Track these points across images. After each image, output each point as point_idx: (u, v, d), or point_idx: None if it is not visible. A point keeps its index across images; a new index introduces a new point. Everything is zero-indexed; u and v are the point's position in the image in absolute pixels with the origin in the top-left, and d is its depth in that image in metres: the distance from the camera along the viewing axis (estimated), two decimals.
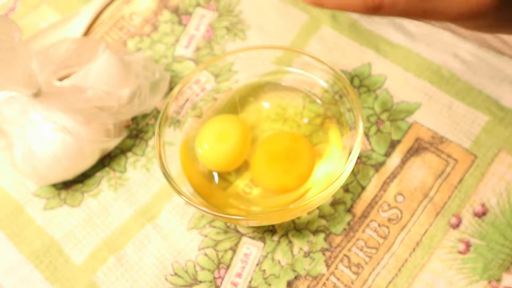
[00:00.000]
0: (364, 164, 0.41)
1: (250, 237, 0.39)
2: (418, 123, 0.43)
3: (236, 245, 0.39)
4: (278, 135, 0.41)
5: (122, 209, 0.41)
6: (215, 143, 0.40)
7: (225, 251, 0.39)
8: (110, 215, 0.41)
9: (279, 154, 0.40)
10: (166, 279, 0.39)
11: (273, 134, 0.41)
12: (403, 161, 0.41)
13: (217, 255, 0.39)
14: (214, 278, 0.38)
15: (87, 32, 0.51)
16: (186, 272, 0.39)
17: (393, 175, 0.41)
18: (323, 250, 0.38)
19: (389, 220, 0.39)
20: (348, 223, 0.39)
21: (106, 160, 0.44)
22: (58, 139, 0.39)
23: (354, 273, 0.37)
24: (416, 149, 0.41)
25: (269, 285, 0.38)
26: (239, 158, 0.40)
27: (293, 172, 0.39)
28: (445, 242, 0.38)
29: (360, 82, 0.45)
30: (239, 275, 0.38)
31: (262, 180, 0.39)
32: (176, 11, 0.51)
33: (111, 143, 0.42)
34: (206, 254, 0.39)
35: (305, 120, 0.42)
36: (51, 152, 0.39)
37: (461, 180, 0.40)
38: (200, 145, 0.40)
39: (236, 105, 0.44)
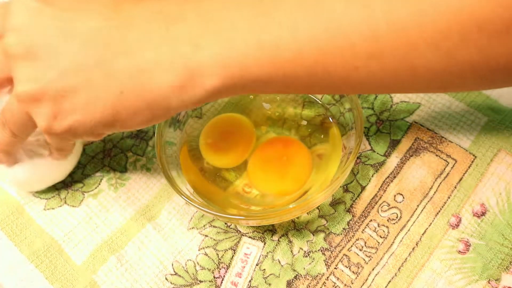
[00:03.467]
0: (364, 164, 0.41)
1: (250, 237, 0.40)
2: (418, 123, 0.43)
3: (236, 244, 0.39)
4: (273, 140, 0.41)
5: (122, 209, 0.42)
6: (221, 140, 0.40)
7: (225, 250, 0.39)
8: (111, 215, 0.41)
9: (274, 160, 0.40)
10: (166, 278, 0.39)
11: (268, 140, 0.41)
12: (403, 161, 0.41)
13: (217, 254, 0.39)
14: (214, 277, 0.38)
15: None
16: (186, 271, 0.39)
17: (393, 175, 0.41)
18: (322, 250, 0.39)
19: (389, 219, 0.39)
20: (348, 223, 0.39)
21: (106, 160, 0.44)
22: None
23: (353, 272, 0.38)
24: (415, 149, 0.42)
25: (269, 284, 0.38)
26: (244, 154, 0.40)
27: (289, 177, 0.39)
28: (445, 241, 0.38)
29: None
30: (239, 274, 0.38)
31: (260, 186, 0.39)
32: None
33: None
34: (206, 254, 0.39)
35: (305, 121, 0.42)
36: (28, 158, 0.39)
37: (460, 180, 0.40)
38: (205, 141, 0.41)
39: (236, 105, 0.44)
